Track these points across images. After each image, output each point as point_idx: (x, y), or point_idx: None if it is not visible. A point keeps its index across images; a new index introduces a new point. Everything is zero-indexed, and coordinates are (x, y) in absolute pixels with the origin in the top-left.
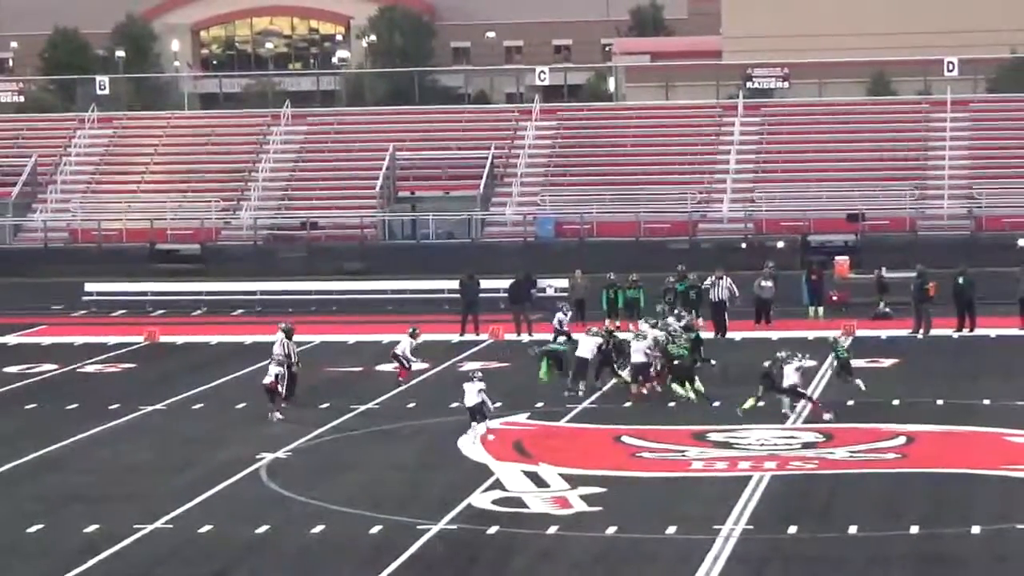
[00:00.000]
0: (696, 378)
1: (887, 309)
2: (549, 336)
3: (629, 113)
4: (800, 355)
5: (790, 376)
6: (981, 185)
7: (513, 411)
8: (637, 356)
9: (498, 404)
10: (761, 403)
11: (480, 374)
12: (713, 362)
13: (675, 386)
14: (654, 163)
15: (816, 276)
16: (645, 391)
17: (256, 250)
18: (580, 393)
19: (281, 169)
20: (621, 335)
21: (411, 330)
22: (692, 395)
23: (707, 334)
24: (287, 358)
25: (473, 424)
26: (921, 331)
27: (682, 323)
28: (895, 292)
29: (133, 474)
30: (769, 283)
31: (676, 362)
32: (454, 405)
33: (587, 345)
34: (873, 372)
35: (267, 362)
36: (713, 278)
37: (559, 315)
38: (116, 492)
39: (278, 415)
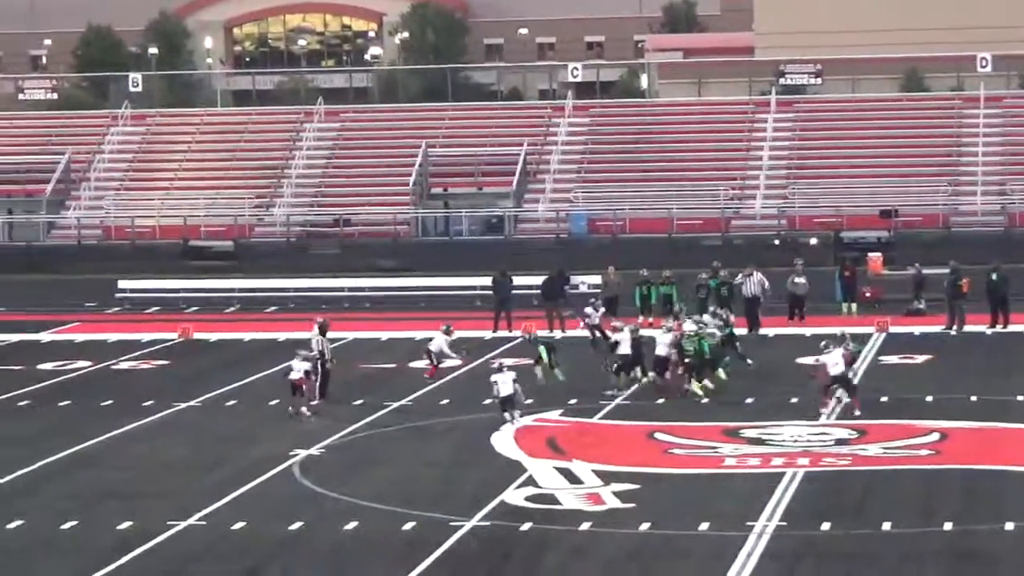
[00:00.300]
0: (708, 371)
1: (922, 305)
2: (586, 333)
3: (662, 110)
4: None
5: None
6: (1015, 181)
7: (546, 408)
8: (660, 349)
9: (530, 401)
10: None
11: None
12: (749, 361)
13: (692, 386)
14: (687, 159)
15: (849, 272)
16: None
17: (289, 247)
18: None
19: (314, 166)
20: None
21: (445, 327)
22: (699, 391)
23: (740, 330)
24: (321, 355)
25: (506, 415)
26: (954, 327)
27: (717, 320)
28: (929, 289)
29: (167, 471)
30: (802, 279)
31: (688, 359)
32: (487, 402)
33: (663, 341)
34: (906, 368)
35: (294, 359)
36: (745, 274)
37: (588, 309)
38: (150, 489)
39: (305, 411)
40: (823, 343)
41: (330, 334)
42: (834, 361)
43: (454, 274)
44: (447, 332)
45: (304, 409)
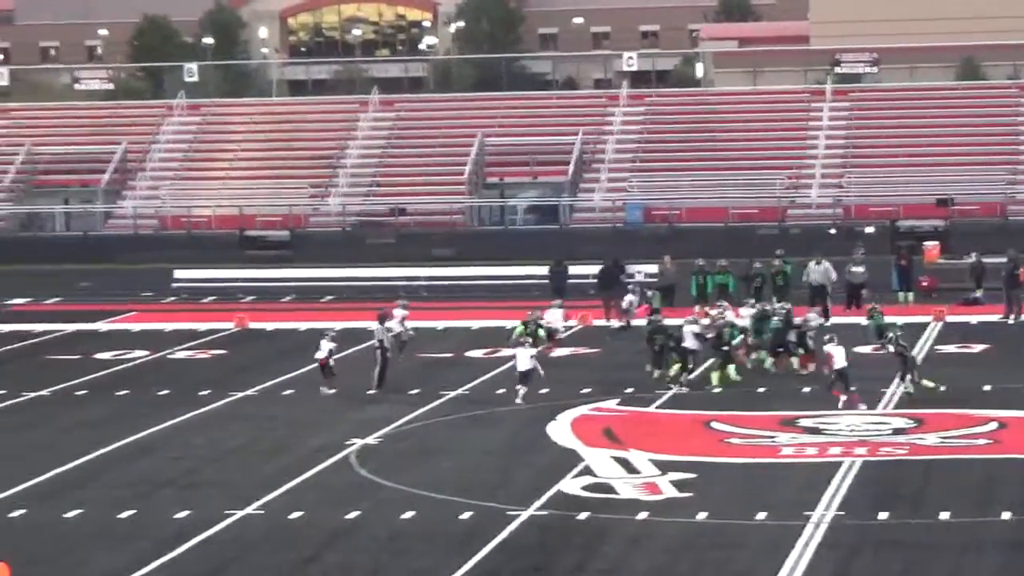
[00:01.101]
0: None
1: (979, 294)
2: (643, 322)
3: (717, 99)
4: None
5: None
6: None
7: (603, 397)
8: (688, 341)
9: (588, 390)
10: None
11: (530, 341)
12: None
13: (714, 374)
14: (742, 149)
15: (905, 261)
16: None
17: (345, 236)
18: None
19: (369, 155)
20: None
21: (558, 302)
22: (714, 380)
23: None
24: (380, 343)
25: (518, 387)
26: (1012, 316)
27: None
28: (987, 278)
29: (224, 460)
30: (860, 268)
31: (725, 347)
32: (544, 391)
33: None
34: (964, 358)
35: (322, 339)
36: (815, 262)
37: (629, 297)
38: (206, 478)
39: (326, 389)
40: (827, 336)
41: (388, 323)
42: (839, 354)
43: (510, 263)
44: (559, 307)
45: (324, 388)
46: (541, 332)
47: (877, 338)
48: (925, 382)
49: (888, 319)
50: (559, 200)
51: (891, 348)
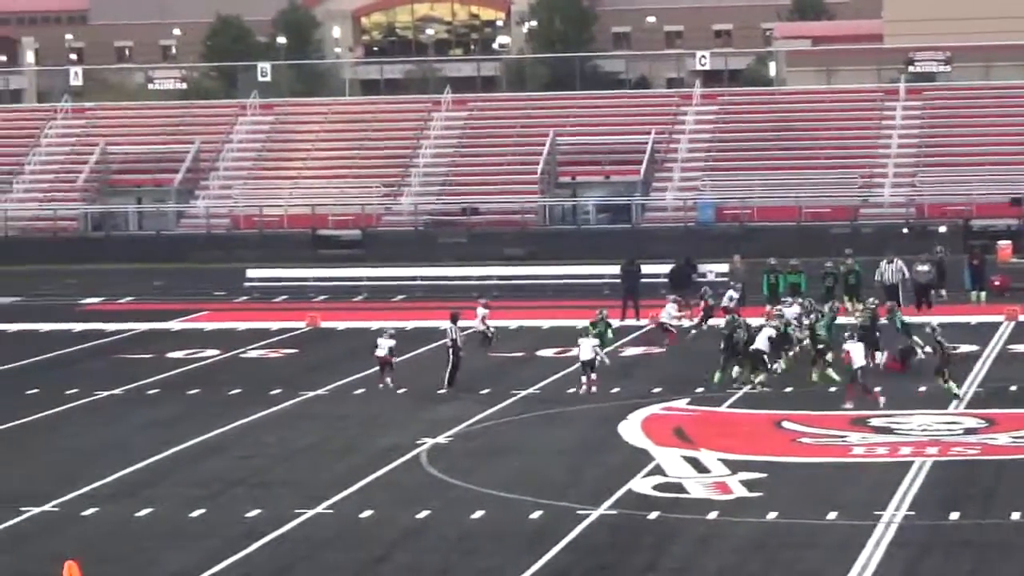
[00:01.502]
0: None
1: None
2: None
3: (790, 98)
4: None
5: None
6: None
7: (674, 396)
8: (761, 343)
9: (658, 389)
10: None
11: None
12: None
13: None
14: (815, 148)
15: (977, 261)
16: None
17: (417, 235)
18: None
19: (442, 155)
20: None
21: (672, 297)
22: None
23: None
24: (453, 343)
25: (582, 377)
26: None
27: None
28: None
29: (294, 459)
30: (926, 267)
31: (751, 347)
32: (615, 390)
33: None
34: None
35: (379, 337)
36: (887, 261)
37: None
38: (277, 477)
39: (389, 382)
40: (846, 332)
41: (460, 322)
42: (857, 351)
43: (582, 262)
44: (675, 302)
45: (388, 381)
46: (610, 333)
47: (907, 337)
48: (949, 384)
49: (912, 319)
50: (631, 199)
51: (927, 349)
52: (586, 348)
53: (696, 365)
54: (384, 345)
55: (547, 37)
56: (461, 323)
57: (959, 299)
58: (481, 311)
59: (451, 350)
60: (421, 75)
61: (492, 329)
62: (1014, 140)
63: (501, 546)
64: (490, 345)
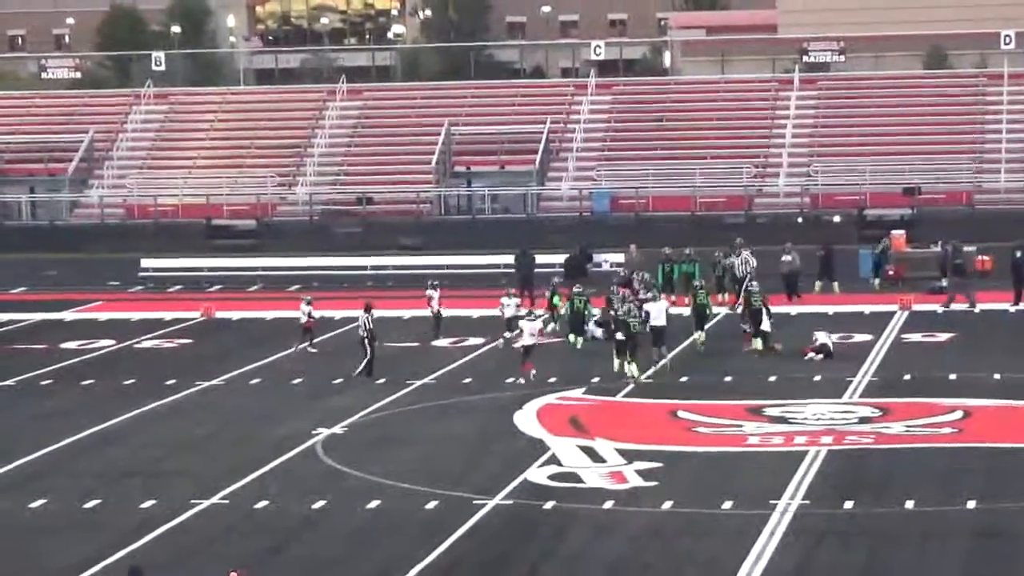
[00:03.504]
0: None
1: (945, 283)
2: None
3: (685, 87)
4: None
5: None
6: None
7: (569, 386)
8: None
9: (553, 379)
10: None
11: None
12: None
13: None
14: (710, 137)
15: (824, 252)
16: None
17: (312, 225)
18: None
19: (337, 144)
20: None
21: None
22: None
23: (720, 308)
24: (369, 333)
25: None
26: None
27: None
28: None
29: (190, 450)
30: (788, 257)
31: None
32: (509, 380)
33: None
34: (929, 347)
35: (301, 303)
36: (737, 251)
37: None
38: (172, 468)
39: (300, 347)
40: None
41: (352, 312)
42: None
43: (477, 252)
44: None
45: (305, 346)
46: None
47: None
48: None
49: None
50: (526, 189)
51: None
52: (528, 333)
53: (592, 355)
54: (305, 310)
55: (442, 26)
56: (351, 313)
57: (828, 289)
58: (432, 293)
59: (366, 339)
60: (316, 64)
61: (439, 312)
62: (907, 130)
63: (397, 536)
64: (438, 329)
